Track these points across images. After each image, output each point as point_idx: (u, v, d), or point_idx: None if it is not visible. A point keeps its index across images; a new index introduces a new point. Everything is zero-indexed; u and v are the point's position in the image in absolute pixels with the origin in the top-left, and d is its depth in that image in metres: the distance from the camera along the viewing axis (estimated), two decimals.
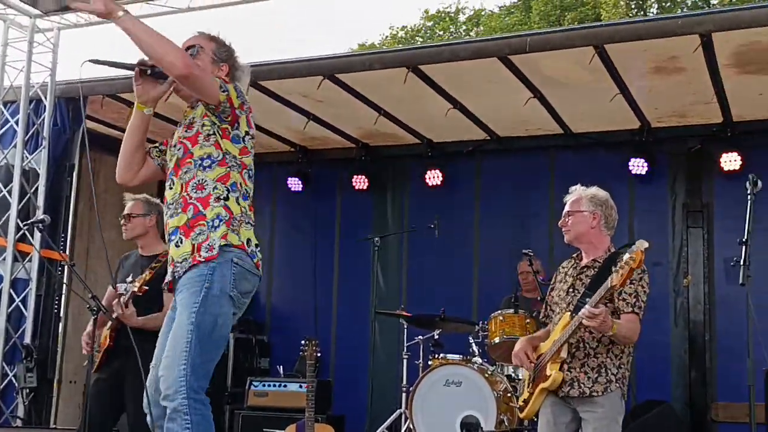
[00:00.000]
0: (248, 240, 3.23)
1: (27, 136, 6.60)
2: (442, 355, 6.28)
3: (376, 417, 6.87)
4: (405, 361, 6.68)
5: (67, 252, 6.76)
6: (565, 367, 3.86)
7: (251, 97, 6.53)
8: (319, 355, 5.72)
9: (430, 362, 6.21)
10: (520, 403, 4.19)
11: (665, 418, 6.36)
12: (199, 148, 3.24)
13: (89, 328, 4.88)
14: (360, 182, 8.05)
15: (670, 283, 7.19)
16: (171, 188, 3.28)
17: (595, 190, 4.25)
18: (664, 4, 19.47)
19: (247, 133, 3.32)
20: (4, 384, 6.33)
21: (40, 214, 5.09)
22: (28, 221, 6.29)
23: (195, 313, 3.06)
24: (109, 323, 4.85)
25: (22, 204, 6.47)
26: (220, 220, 3.15)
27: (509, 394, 5.92)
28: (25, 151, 6.53)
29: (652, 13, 19.51)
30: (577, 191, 4.23)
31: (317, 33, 37.59)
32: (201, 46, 3.38)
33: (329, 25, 38.63)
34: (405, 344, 6.72)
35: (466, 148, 7.93)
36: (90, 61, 3.32)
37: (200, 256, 3.11)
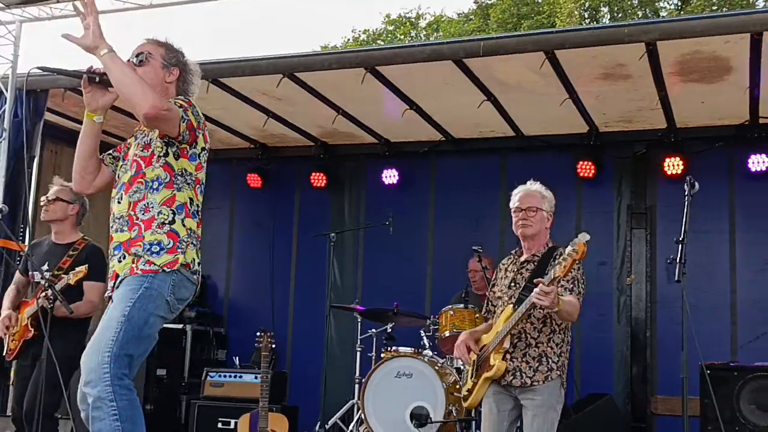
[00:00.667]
0: (192, 260, 3.24)
1: None
2: (394, 347, 6.30)
3: (329, 408, 6.87)
4: (358, 353, 6.70)
5: (26, 243, 6.65)
6: (508, 357, 3.94)
7: (211, 94, 6.58)
8: (273, 346, 5.72)
9: (382, 355, 6.23)
10: (464, 392, 4.24)
11: (607, 411, 6.43)
12: (152, 170, 3.24)
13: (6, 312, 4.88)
14: (318, 180, 8.03)
15: (614, 282, 7.28)
16: (119, 203, 3.27)
17: (545, 190, 4.36)
18: (616, 15, 19.73)
19: (203, 149, 3.35)
20: None
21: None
22: None
23: (129, 307, 3.06)
24: (27, 311, 4.85)
25: None
26: (161, 248, 3.15)
27: (458, 386, 5.95)
28: None
29: (604, 23, 19.75)
30: (534, 188, 4.32)
31: (281, 35, 37.35)
32: (150, 53, 3.36)
33: (293, 28, 38.43)
34: (359, 337, 6.75)
35: (421, 148, 7.96)
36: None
37: (137, 268, 3.13)
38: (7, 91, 6.54)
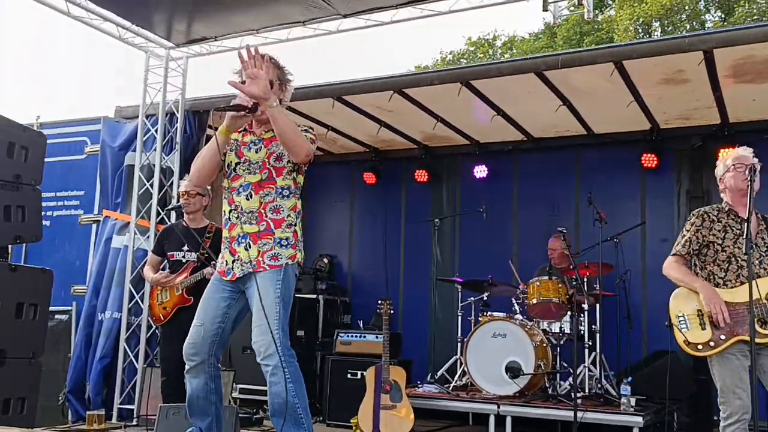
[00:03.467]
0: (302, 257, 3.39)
1: (164, 142, 6.74)
2: (489, 313, 6.27)
3: (436, 362, 6.90)
4: (459, 318, 6.68)
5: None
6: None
7: (336, 109, 6.66)
8: (392, 312, 5.74)
9: (480, 319, 6.21)
10: (703, 341, 3.66)
11: (672, 364, 6.22)
12: (282, 179, 3.30)
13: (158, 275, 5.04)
14: (421, 176, 8.03)
15: None
16: (248, 200, 3.29)
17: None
18: (666, 28, 18.91)
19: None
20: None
21: (174, 203, 5.21)
22: (167, 207, 6.50)
23: (279, 289, 3.19)
24: (179, 282, 4.96)
25: (160, 194, 6.63)
26: (289, 243, 3.27)
27: (544, 344, 5.89)
28: (162, 154, 6.69)
29: (656, 36, 18.96)
30: (742, 150, 3.84)
31: (376, 59, 37.38)
32: (274, 78, 3.32)
33: (387, 53, 38.40)
34: (459, 304, 6.72)
35: (506, 147, 7.83)
36: (216, 109, 3.40)
37: (263, 263, 3.22)
38: (178, 112, 6.78)
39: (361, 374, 5.79)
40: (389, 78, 6.39)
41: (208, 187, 5.19)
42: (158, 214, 6.55)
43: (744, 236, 3.53)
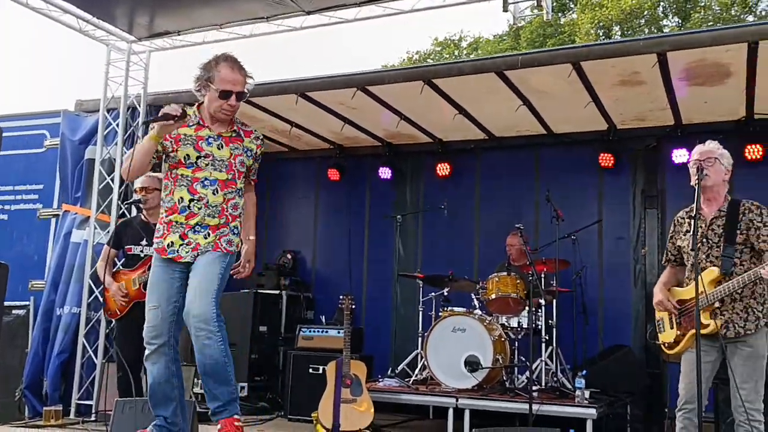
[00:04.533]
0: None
1: (125, 136, 6.63)
2: (449, 308, 6.30)
3: (398, 356, 6.91)
4: (420, 312, 6.69)
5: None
6: (717, 312, 3.58)
7: (299, 105, 6.61)
8: (353, 307, 5.73)
9: (440, 313, 6.23)
10: (670, 340, 3.81)
11: (627, 359, 6.34)
12: (241, 181, 3.57)
13: (116, 284, 5.00)
14: (385, 173, 8.01)
15: (631, 253, 7.11)
16: (215, 194, 3.47)
17: (721, 148, 3.79)
18: (626, 32, 19.20)
19: None
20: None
21: (135, 197, 5.11)
22: (127, 201, 6.38)
23: (224, 268, 3.44)
24: (137, 278, 4.89)
25: (121, 189, 6.52)
26: (238, 231, 3.56)
27: (503, 339, 5.93)
28: (124, 148, 6.56)
29: (618, 39, 19.24)
30: (711, 145, 3.77)
31: (344, 58, 37.34)
32: (245, 91, 3.54)
33: (355, 52, 38.35)
34: (420, 299, 6.74)
35: (468, 145, 7.85)
36: (144, 122, 3.57)
37: (222, 245, 3.46)
38: (140, 106, 6.67)
39: (323, 369, 5.76)
40: (353, 75, 6.36)
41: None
42: (119, 208, 6.45)
43: (699, 234, 3.62)
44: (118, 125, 6.60)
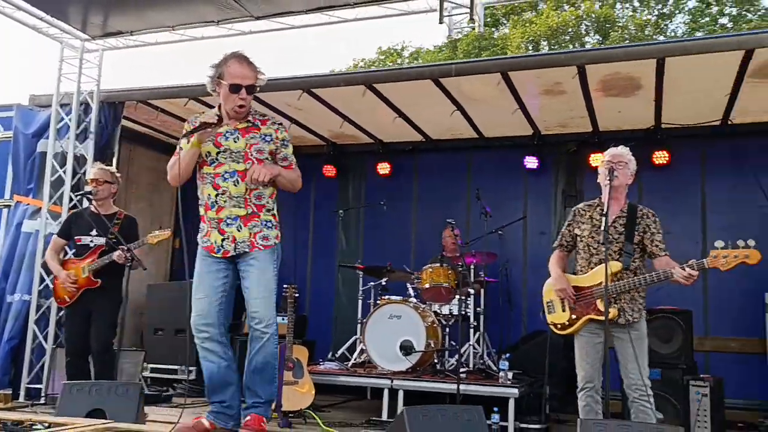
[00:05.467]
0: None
1: (78, 130, 6.41)
2: (387, 296, 6.32)
3: (339, 342, 6.90)
4: (360, 301, 6.70)
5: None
6: (612, 301, 3.67)
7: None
8: (297, 296, 5.68)
9: (378, 302, 6.24)
10: (563, 321, 3.88)
11: (546, 343, 6.43)
12: None
13: (64, 272, 4.78)
14: (329, 171, 7.99)
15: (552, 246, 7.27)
16: (236, 185, 3.38)
17: (630, 154, 3.88)
18: (552, 47, 19.59)
19: None
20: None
21: (87, 188, 4.95)
22: (79, 192, 6.18)
23: (275, 267, 3.41)
24: (87, 267, 4.73)
25: (74, 181, 6.31)
26: (272, 224, 3.45)
27: (435, 325, 5.98)
28: (76, 142, 6.36)
29: (545, 52, 19.59)
30: (622, 150, 3.86)
31: (295, 63, 36.97)
32: (255, 83, 3.45)
33: (307, 57, 38.04)
34: (360, 289, 6.74)
35: (407, 147, 7.91)
36: (185, 135, 3.42)
37: (257, 244, 3.36)
38: (93, 103, 6.46)
39: None
40: (299, 78, 6.29)
41: (118, 175, 5.00)
42: (71, 200, 6.23)
43: (602, 228, 3.71)
44: (71, 120, 6.37)
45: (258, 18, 5.82)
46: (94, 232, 4.80)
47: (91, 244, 4.81)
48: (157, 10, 5.80)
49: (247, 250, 3.35)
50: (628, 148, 3.93)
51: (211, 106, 6.71)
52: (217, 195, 3.39)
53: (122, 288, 4.59)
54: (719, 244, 3.45)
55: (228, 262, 3.43)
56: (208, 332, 3.34)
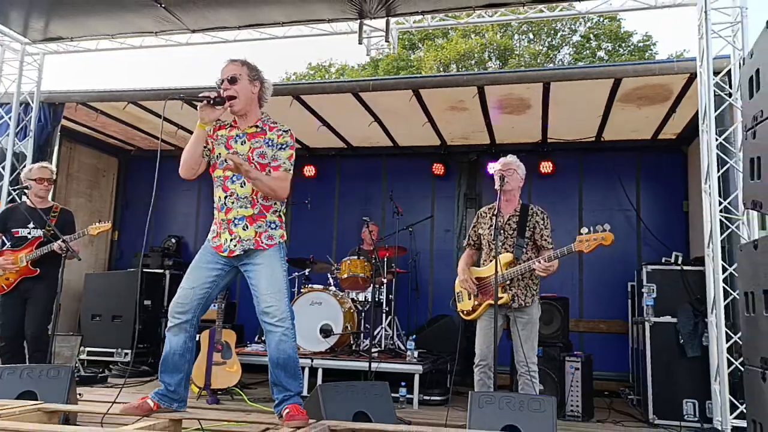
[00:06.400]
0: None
1: (18, 129, 6.01)
2: (309, 285, 6.26)
3: None
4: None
5: None
6: (507, 288, 3.77)
7: (185, 110, 6.28)
8: None
9: (302, 290, 6.18)
10: (468, 308, 3.98)
11: (447, 326, 6.59)
12: (265, 173, 3.15)
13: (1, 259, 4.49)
14: None
15: (455, 242, 7.42)
16: (243, 186, 3.13)
17: (518, 161, 3.98)
18: (460, 69, 20.02)
19: None
20: None
21: (32, 184, 4.63)
22: (17, 186, 5.79)
23: (283, 264, 3.14)
24: (24, 256, 4.47)
25: (12, 177, 5.90)
26: (277, 225, 3.19)
27: (352, 311, 5.98)
28: (16, 139, 5.96)
29: (451, 73, 19.97)
30: (511, 158, 3.98)
31: None
32: (240, 74, 3.16)
33: None
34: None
35: (331, 152, 7.88)
36: (180, 98, 3.08)
37: (262, 243, 3.11)
38: (33, 103, 6.06)
39: (198, 336, 5.52)
40: None
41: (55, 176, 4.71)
42: (9, 194, 5.83)
43: (494, 226, 3.82)
44: (10, 118, 5.96)
45: (194, 31, 5.64)
46: (31, 225, 4.51)
47: (29, 236, 4.52)
48: (96, 19, 5.50)
49: (252, 247, 3.10)
50: (515, 157, 4.05)
51: (149, 111, 6.50)
52: (226, 197, 3.16)
53: (58, 277, 4.34)
54: (584, 230, 3.60)
55: (230, 263, 3.17)
56: (180, 319, 3.10)
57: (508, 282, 3.81)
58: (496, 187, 3.93)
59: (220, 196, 3.19)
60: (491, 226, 3.94)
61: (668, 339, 4.79)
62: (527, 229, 3.87)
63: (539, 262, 3.67)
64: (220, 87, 3.15)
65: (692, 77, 4.98)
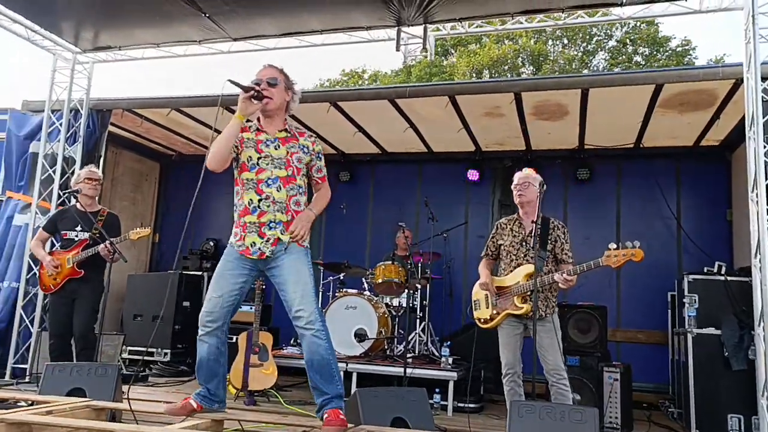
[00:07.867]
0: None
1: (68, 134, 6.20)
2: (344, 289, 6.28)
3: None
4: (320, 293, 6.64)
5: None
6: (528, 299, 3.75)
7: (225, 116, 6.38)
8: (264, 287, 5.60)
9: (336, 294, 6.21)
10: (486, 317, 3.99)
11: (482, 333, 6.50)
12: (300, 178, 3.19)
13: (50, 257, 4.59)
14: None
15: None
16: (279, 191, 3.13)
17: (535, 174, 3.96)
18: (493, 75, 19.90)
19: None
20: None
21: (80, 186, 4.77)
22: (66, 190, 5.97)
23: (310, 266, 3.14)
24: (71, 257, 4.57)
25: (62, 180, 6.10)
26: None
27: (386, 315, 5.98)
28: (66, 144, 6.15)
29: (487, 79, 19.84)
30: (527, 172, 3.96)
31: None
32: (279, 79, 3.20)
33: None
34: (321, 282, 6.69)
35: (366, 158, 7.90)
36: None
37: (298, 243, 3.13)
38: (82, 110, 6.26)
39: (236, 338, 5.59)
40: None
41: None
42: (59, 197, 6.02)
43: (520, 238, 3.84)
44: (61, 125, 6.16)
45: (235, 39, 5.73)
46: (79, 228, 4.65)
47: (76, 238, 4.65)
48: (143, 29, 5.65)
49: (280, 250, 3.11)
50: (532, 170, 4.04)
51: (190, 116, 6.63)
52: (260, 200, 3.11)
53: (104, 278, 4.46)
54: (612, 245, 3.52)
55: (255, 266, 3.17)
56: (210, 327, 3.13)
57: (528, 293, 3.78)
58: (515, 199, 3.98)
59: (252, 199, 3.14)
60: (513, 237, 3.95)
61: (712, 351, 4.65)
62: (549, 242, 3.85)
63: (562, 274, 3.64)
64: (258, 84, 3.16)
65: (738, 82, 4.84)
